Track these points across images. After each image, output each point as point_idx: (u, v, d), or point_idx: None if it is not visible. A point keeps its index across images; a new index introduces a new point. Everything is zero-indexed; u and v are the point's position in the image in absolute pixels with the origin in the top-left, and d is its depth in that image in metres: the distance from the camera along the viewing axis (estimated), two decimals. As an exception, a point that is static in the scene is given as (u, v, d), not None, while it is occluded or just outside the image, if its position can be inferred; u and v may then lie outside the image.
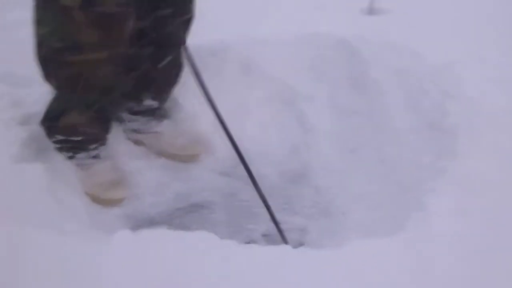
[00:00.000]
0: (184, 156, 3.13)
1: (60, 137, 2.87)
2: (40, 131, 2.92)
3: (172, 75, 3.05)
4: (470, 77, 2.99)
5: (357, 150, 3.11)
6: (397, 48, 3.26)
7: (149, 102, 3.05)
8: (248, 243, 2.73)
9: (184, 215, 2.91)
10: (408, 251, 2.26)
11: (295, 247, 2.47)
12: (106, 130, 2.92)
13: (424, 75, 3.11)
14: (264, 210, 2.84)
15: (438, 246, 2.29)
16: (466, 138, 2.75)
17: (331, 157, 3.14)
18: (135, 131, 3.13)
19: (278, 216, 2.84)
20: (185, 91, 3.24)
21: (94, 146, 2.91)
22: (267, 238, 2.82)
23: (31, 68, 2.74)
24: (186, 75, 3.18)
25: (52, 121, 2.87)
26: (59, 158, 2.94)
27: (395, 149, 2.99)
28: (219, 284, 2.11)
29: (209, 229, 2.71)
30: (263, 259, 2.21)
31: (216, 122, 3.09)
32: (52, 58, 2.62)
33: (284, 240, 2.71)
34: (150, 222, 2.86)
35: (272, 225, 2.81)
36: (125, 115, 3.12)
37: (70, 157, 2.93)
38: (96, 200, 2.90)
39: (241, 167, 3.02)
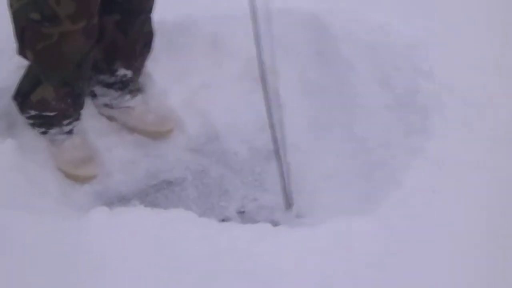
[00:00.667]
0: (155, 133, 3.12)
1: (33, 112, 2.84)
2: (11, 106, 2.88)
3: (141, 43, 3.01)
4: (443, 54, 3.01)
5: (327, 128, 3.11)
6: (368, 24, 3.25)
7: (121, 72, 3.01)
8: (223, 220, 2.74)
9: (155, 193, 2.91)
10: (384, 229, 2.30)
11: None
12: (79, 105, 2.89)
13: (396, 51, 3.11)
14: (236, 187, 2.87)
15: (414, 224, 2.33)
16: (437, 116, 2.78)
17: (301, 134, 3.13)
18: (107, 105, 3.11)
19: (249, 193, 2.88)
20: (157, 66, 3.22)
21: (67, 121, 2.88)
22: (242, 216, 2.82)
23: (1, 41, 2.68)
24: (159, 50, 3.16)
25: (25, 96, 2.83)
26: (31, 134, 2.91)
27: (365, 126, 3.00)
28: (199, 262, 2.10)
29: (181, 206, 2.73)
30: (243, 236, 2.21)
31: (188, 98, 3.10)
32: (29, 30, 2.59)
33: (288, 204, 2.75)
34: (122, 199, 2.85)
35: (245, 201, 2.82)
36: (97, 89, 3.09)
37: (43, 133, 2.90)
38: (68, 175, 2.88)
39: (211, 144, 3.02)
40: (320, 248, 2.20)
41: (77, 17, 2.56)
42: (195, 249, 2.13)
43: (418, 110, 2.85)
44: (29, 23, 2.57)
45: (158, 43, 3.15)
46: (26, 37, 2.63)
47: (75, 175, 2.87)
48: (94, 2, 2.58)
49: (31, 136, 2.88)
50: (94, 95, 3.09)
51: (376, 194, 2.59)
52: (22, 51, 2.68)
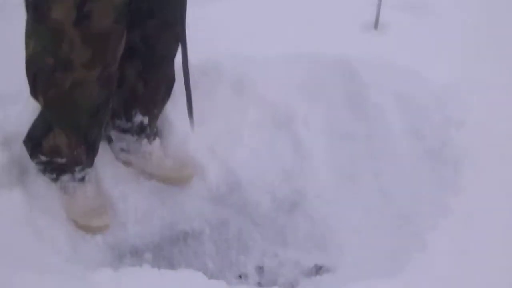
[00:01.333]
0: (173, 179, 2.98)
1: (43, 158, 2.72)
2: (22, 153, 2.77)
3: (162, 90, 2.89)
4: (475, 102, 2.85)
5: (355, 178, 2.96)
6: (398, 70, 3.10)
7: (138, 119, 2.89)
8: (240, 277, 2.60)
9: (170, 246, 2.78)
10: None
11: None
12: (92, 152, 2.76)
13: (426, 99, 2.97)
14: (256, 241, 2.75)
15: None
16: (469, 169, 2.65)
17: (327, 184, 2.98)
18: (124, 150, 2.98)
19: (270, 249, 2.75)
20: (177, 110, 3.07)
21: (79, 168, 2.75)
22: (260, 273, 2.66)
23: (16, 85, 2.64)
24: (180, 94, 3.03)
25: (36, 141, 2.72)
26: (43, 182, 2.79)
27: (394, 178, 2.85)
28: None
29: (197, 261, 2.61)
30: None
31: (209, 144, 2.97)
32: (42, 75, 2.48)
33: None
34: (134, 253, 2.74)
35: (265, 257, 2.67)
36: (113, 134, 2.97)
37: (54, 179, 2.78)
38: (79, 226, 2.75)
39: (232, 194, 2.89)
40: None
41: (92, 65, 2.43)
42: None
43: (449, 163, 2.71)
44: (42, 68, 2.45)
45: (178, 86, 3.02)
46: (38, 82, 2.51)
47: (86, 225, 2.74)
48: (112, 50, 2.45)
49: (43, 184, 2.77)
50: (110, 140, 2.97)
51: (402, 254, 2.46)
52: (34, 95, 2.56)
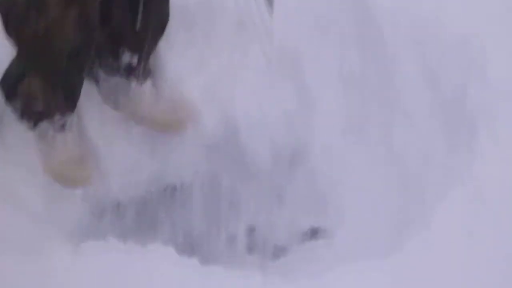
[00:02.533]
0: (165, 124, 2.76)
1: (18, 104, 2.52)
2: (-2, 97, 2.55)
3: (155, 27, 2.64)
4: (498, 54, 2.54)
5: (362, 129, 2.72)
6: (417, 10, 2.78)
7: (127, 58, 2.66)
8: (230, 239, 2.43)
9: (156, 202, 2.58)
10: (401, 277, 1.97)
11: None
12: (73, 98, 2.55)
13: (446, 44, 2.66)
14: (250, 198, 2.58)
15: (437, 277, 1.98)
16: (485, 131, 2.35)
17: (333, 134, 2.75)
18: (112, 92, 2.75)
19: (264, 208, 2.57)
20: (172, 49, 2.85)
21: (58, 115, 2.53)
22: (250, 234, 2.46)
23: None
24: (176, 30, 2.81)
25: (11, 85, 2.52)
26: (17, 132, 2.59)
27: (404, 132, 2.60)
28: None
29: (182, 220, 2.42)
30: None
31: (206, 86, 2.73)
32: (14, 13, 2.27)
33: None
34: (116, 208, 2.53)
35: (258, 217, 2.45)
36: (100, 74, 2.73)
37: (31, 127, 2.58)
38: (58, 179, 2.55)
39: (228, 143, 2.67)
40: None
41: (67, 4, 2.21)
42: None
43: (465, 121, 2.44)
44: (14, 7, 2.24)
45: (174, 21, 2.78)
46: (10, 20, 2.30)
47: (65, 178, 2.55)
48: None
49: (19, 133, 2.56)
50: (97, 81, 2.74)
51: (403, 226, 2.25)
52: (7, 34, 2.35)
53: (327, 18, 2.92)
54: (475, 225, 2.09)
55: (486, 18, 2.63)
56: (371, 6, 2.85)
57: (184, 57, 2.84)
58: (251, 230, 2.50)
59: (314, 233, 2.49)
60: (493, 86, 2.46)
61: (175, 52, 2.83)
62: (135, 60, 2.67)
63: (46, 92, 2.47)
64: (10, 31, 2.33)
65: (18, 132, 2.57)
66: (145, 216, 2.52)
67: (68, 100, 2.53)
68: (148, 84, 2.76)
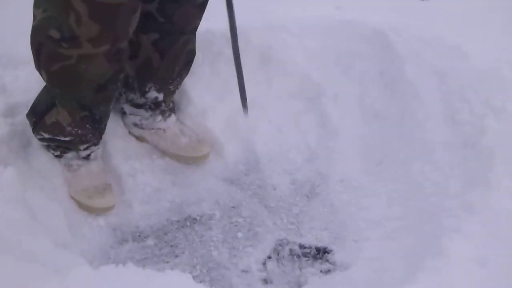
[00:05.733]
0: (188, 158, 2.81)
1: (46, 135, 2.57)
2: (26, 123, 2.62)
3: (180, 64, 2.68)
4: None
5: (382, 163, 2.74)
6: (438, 45, 2.85)
7: (153, 95, 2.72)
8: (245, 271, 2.40)
9: (176, 230, 2.60)
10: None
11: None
12: (99, 129, 2.59)
13: (466, 79, 2.71)
14: (268, 230, 2.60)
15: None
16: (502, 165, 2.35)
17: (353, 168, 2.77)
18: (137, 126, 2.82)
19: (282, 236, 2.59)
20: (197, 81, 2.90)
21: (84, 146, 2.61)
22: (266, 266, 2.46)
23: (25, 48, 2.42)
24: (201, 64, 2.86)
25: (39, 116, 2.57)
26: (46, 156, 2.66)
27: (423, 166, 2.61)
28: None
29: (201, 249, 2.47)
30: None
31: (229, 119, 2.78)
32: (46, 48, 2.30)
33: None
34: (137, 236, 2.55)
35: (276, 250, 2.53)
36: (126, 107, 2.80)
37: (58, 156, 2.64)
38: (82, 206, 2.60)
39: (249, 174, 2.70)
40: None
41: (100, 40, 2.24)
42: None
43: (482, 155, 2.43)
44: (47, 40, 2.27)
45: (200, 55, 2.84)
46: (42, 55, 2.33)
47: (88, 205, 2.59)
48: (122, 25, 2.25)
49: (46, 159, 2.61)
50: (123, 113, 2.80)
51: (418, 258, 2.21)
52: (37, 68, 2.39)
53: (350, 54, 2.95)
54: (489, 256, 2.08)
55: (506, 51, 2.64)
56: (393, 42, 2.87)
57: (208, 90, 2.87)
58: (267, 263, 2.48)
59: (332, 264, 2.47)
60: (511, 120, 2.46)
61: (200, 85, 2.86)
62: (161, 97, 2.72)
63: (71, 125, 2.52)
64: (41, 65, 2.37)
65: (45, 159, 2.61)
66: (165, 244, 2.53)
67: (94, 132, 2.57)
68: (172, 119, 2.82)
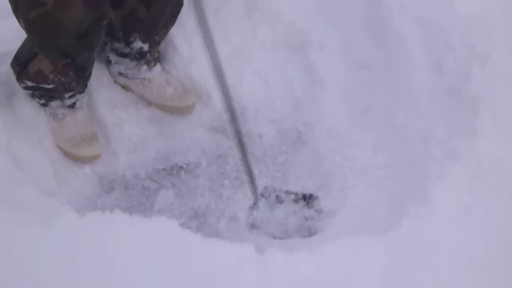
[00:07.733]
0: (173, 108, 2.81)
1: (30, 83, 2.56)
2: (10, 74, 2.61)
3: (166, 15, 2.66)
4: (503, 35, 2.53)
5: (368, 111, 2.73)
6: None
7: (138, 45, 2.70)
8: (232, 218, 2.43)
9: (162, 179, 2.60)
10: (395, 256, 1.98)
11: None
12: (83, 77, 2.58)
13: (451, 27, 2.66)
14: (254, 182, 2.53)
15: (433, 252, 1.99)
16: (487, 113, 2.35)
17: (338, 117, 2.77)
18: (122, 75, 2.80)
19: (268, 184, 2.63)
20: (182, 30, 2.87)
21: (69, 94, 2.60)
22: (252, 213, 2.47)
23: None
24: (185, 12, 2.81)
25: (23, 65, 2.55)
26: (31, 106, 2.66)
27: (408, 114, 2.60)
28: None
29: (187, 197, 2.45)
30: (224, 260, 1.89)
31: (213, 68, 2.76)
32: None
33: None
34: (124, 185, 2.55)
35: (264, 198, 2.53)
36: (111, 56, 2.79)
37: (43, 105, 2.64)
38: (67, 154, 2.61)
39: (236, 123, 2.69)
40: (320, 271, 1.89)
41: None
42: (169, 272, 1.84)
43: (468, 103, 2.42)
44: None
45: (187, 9, 2.79)
46: (19, 1, 2.30)
47: (74, 154, 2.60)
48: None
49: (31, 108, 2.59)
50: (109, 62, 2.79)
51: (402, 204, 2.21)
52: (16, 16, 2.37)
53: (334, 2, 2.93)
54: (473, 203, 2.10)
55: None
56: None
57: (193, 40, 2.85)
58: (254, 209, 2.50)
59: (318, 212, 2.49)
60: (497, 66, 2.46)
61: (184, 34, 2.84)
62: (146, 47, 2.70)
63: (55, 72, 2.51)
64: (20, 12, 2.34)
65: (30, 108, 2.60)
66: (152, 192, 2.55)
67: (78, 80, 2.56)
68: (157, 69, 2.81)
